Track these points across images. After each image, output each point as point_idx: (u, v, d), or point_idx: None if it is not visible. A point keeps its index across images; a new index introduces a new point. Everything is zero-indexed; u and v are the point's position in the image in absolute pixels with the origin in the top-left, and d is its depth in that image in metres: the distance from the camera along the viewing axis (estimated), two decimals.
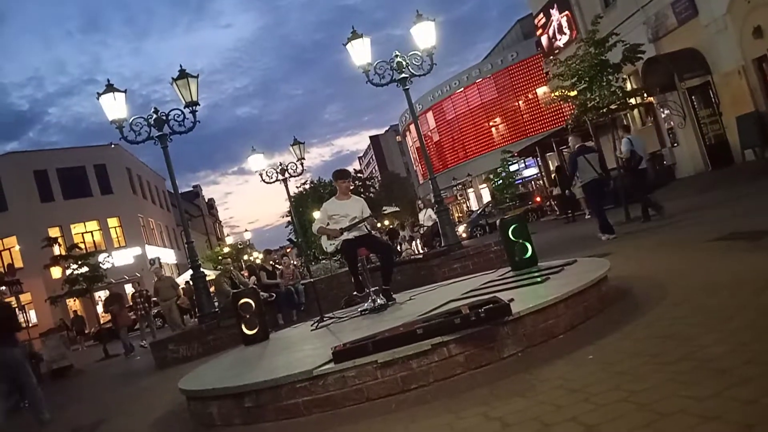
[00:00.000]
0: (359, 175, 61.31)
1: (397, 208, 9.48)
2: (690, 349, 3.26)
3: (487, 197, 43.42)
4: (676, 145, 19.81)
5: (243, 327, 6.83)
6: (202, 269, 11.52)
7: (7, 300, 8.23)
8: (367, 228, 6.83)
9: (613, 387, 3.04)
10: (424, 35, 10.73)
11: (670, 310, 4.25)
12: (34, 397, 6.91)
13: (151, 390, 7.83)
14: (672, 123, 19.70)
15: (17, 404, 7.52)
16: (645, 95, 18.27)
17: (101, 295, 27.65)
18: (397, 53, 10.86)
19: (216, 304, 12.27)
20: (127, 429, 5.31)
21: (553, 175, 25.26)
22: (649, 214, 11.46)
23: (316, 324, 6.82)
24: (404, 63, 10.80)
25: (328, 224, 6.74)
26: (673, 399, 2.65)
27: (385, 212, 7.98)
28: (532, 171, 40.80)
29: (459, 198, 52.99)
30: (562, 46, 24.49)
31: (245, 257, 48.94)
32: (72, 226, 37.78)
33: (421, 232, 18.43)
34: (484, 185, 46.10)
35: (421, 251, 17.28)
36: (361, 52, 10.59)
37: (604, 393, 3.00)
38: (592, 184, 10.56)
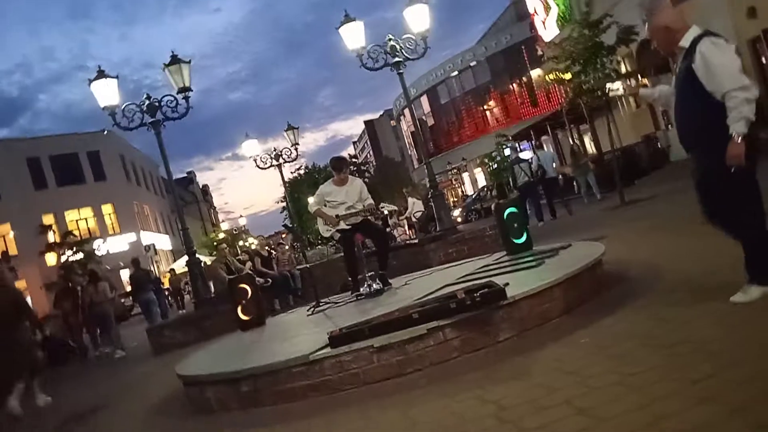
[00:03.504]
0: (354, 160, 61.16)
1: (395, 207, 9.53)
2: (685, 333, 3.28)
3: (482, 181, 43.42)
4: (670, 127, 19.81)
5: (239, 312, 6.84)
6: (197, 255, 11.53)
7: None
8: (363, 214, 6.82)
9: (608, 370, 3.07)
10: (418, 18, 10.66)
11: (665, 294, 4.28)
12: (31, 381, 6.90)
13: (149, 376, 7.86)
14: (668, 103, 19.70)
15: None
16: (640, 77, 18.24)
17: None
18: (391, 37, 10.79)
19: (212, 290, 12.32)
20: (127, 414, 5.33)
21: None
22: (557, 214, 14.93)
23: (312, 309, 6.83)
24: (398, 47, 10.74)
25: (325, 204, 6.74)
26: (667, 382, 2.67)
27: (383, 208, 7.98)
28: (526, 155, 40.76)
29: (454, 182, 52.95)
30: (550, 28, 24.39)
31: (240, 243, 48.92)
32: (66, 213, 37.67)
33: (413, 219, 18.42)
34: (479, 169, 46.08)
35: (414, 237, 17.29)
36: (354, 36, 10.53)
37: (598, 375, 3.02)
38: (523, 186, 14.24)
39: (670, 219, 8.50)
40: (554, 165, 16.44)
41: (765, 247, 3.44)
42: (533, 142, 31.38)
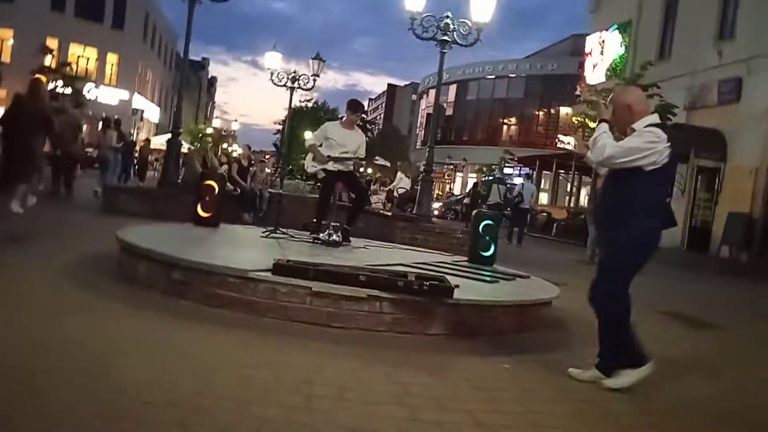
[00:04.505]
0: (363, 115, 60.69)
1: (388, 163, 9.49)
2: (586, 391, 3.37)
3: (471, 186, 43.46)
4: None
5: (198, 207, 6.79)
6: (180, 139, 11.39)
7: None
8: (352, 167, 6.81)
9: (517, 398, 3.14)
10: (482, 8, 10.49)
11: (592, 352, 4.35)
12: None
13: (91, 231, 7.79)
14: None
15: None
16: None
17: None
18: (449, 14, 10.63)
19: (180, 176, 12.19)
20: (59, 261, 5.27)
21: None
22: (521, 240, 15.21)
23: (268, 233, 6.81)
24: (451, 27, 10.59)
25: (321, 145, 6.69)
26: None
27: (377, 162, 7.96)
28: (518, 180, 40.93)
29: (446, 177, 52.98)
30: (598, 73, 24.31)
31: (225, 145, 48.36)
32: (71, 45, 36.62)
33: (395, 194, 18.43)
34: (474, 175, 46.14)
35: (388, 210, 17.33)
36: None
37: (507, 402, 3.10)
38: (494, 206, 14.55)
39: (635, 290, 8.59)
40: (531, 198, 16.96)
41: (620, 335, 3.48)
42: (533, 171, 31.57)
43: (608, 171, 3.61)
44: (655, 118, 3.54)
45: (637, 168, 3.34)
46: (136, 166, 22.21)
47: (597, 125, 3.65)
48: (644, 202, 3.39)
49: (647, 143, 3.33)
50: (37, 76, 12.50)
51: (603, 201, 3.80)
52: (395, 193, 18.28)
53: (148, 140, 26.09)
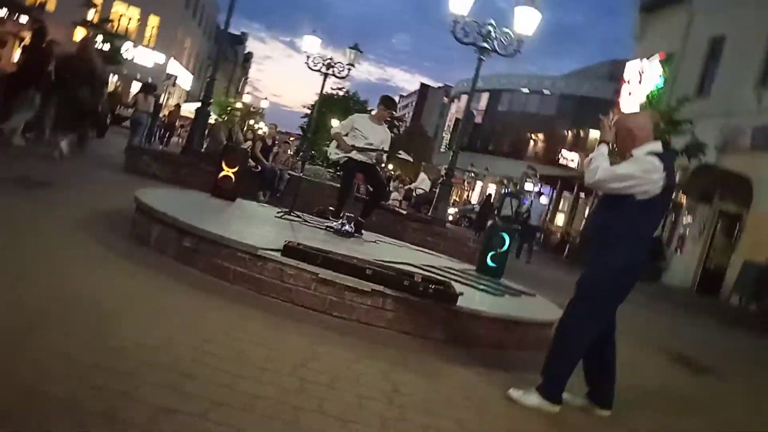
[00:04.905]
0: (393, 112, 60.60)
1: (410, 158, 9.48)
2: (577, 416, 3.35)
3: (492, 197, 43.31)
4: (678, 252, 19.84)
5: (218, 179, 6.85)
6: (209, 109, 11.47)
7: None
8: (375, 160, 6.83)
9: (507, 413, 3.14)
10: (525, 21, 10.43)
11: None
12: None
13: (111, 187, 7.90)
14: (688, 231, 19.68)
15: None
16: (681, 193, 18.17)
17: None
18: (492, 22, 10.58)
19: (204, 145, 12.27)
20: (78, 213, 5.35)
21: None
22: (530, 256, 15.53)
23: (282, 214, 6.84)
24: (493, 35, 10.54)
25: (346, 135, 6.71)
26: None
27: (399, 155, 7.95)
28: (543, 200, 40.72)
29: (466, 184, 52.84)
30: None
31: (251, 121, 48.55)
32: (114, 2, 37.02)
33: (414, 193, 18.45)
34: (495, 186, 45.98)
35: (404, 209, 17.36)
36: (462, 2, 10.32)
37: (497, 415, 3.10)
38: (503, 220, 14.05)
39: (632, 327, 8.55)
40: (540, 217, 18.00)
41: (569, 364, 3.39)
42: (553, 191, 31.35)
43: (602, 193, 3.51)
44: (657, 146, 3.38)
45: (629, 195, 3.24)
46: (161, 130, 22.38)
47: (597, 145, 3.53)
48: (630, 231, 3.29)
49: (641, 171, 3.21)
50: (86, 33, 12.98)
51: (592, 222, 3.73)
52: (414, 193, 18.28)
53: (178, 106, 26.30)
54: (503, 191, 29.86)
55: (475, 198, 48.17)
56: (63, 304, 2.99)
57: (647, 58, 24.52)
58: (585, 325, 3.36)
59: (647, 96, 23.57)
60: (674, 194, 17.86)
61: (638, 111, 4.02)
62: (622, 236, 3.30)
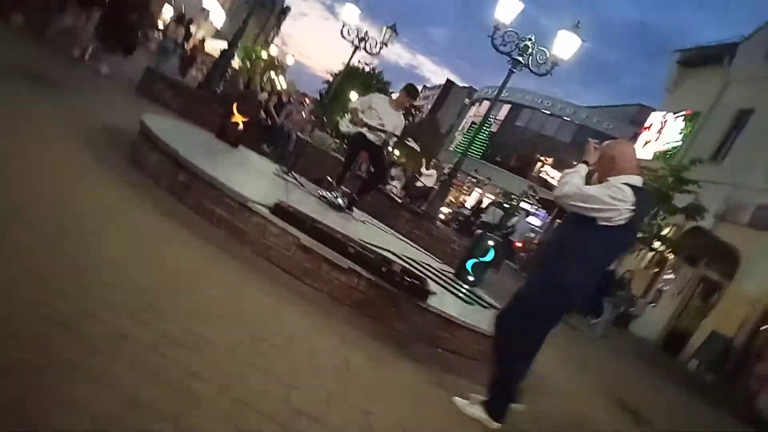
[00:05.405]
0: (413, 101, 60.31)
1: (417, 147, 9.52)
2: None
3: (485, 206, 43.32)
4: (653, 305, 19.99)
5: (227, 122, 6.84)
6: (234, 52, 11.42)
7: None
8: (382, 142, 6.83)
9: (445, 415, 3.19)
10: (565, 45, 10.41)
11: (535, 407, 4.40)
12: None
13: (120, 106, 7.87)
14: (667, 288, 19.83)
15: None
16: (669, 250, 18.27)
17: None
18: (531, 37, 10.56)
19: (221, 87, 12.22)
20: (84, 127, 5.34)
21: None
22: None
23: (280, 171, 6.85)
24: (529, 50, 10.52)
25: (362, 112, 6.71)
26: None
27: (408, 142, 7.97)
28: (535, 221, 40.81)
29: (465, 188, 52.85)
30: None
31: (272, 74, 48.18)
32: None
33: (416, 184, 18.49)
34: (492, 197, 46.03)
35: (400, 197, 17.40)
36: (508, 11, 10.28)
37: (433, 416, 3.14)
38: (483, 226, 14.45)
39: (590, 368, 8.66)
40: (523, 236, 18.17)
41: (512, 382, 3.41)
42: (549, 216, 31.41)
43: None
44: (635, 180, 3.29)
45: (592, 218, 3.20)
46: (183, 61, 22.18)
47: (577, 164, 3.50)
48: (582, 254, 3.25)
49: (609, 198, 3.16)
50: None
51: (552, 235, 3.68)
52: (416, 183, 18.29)
53: (203, 40, 26.04)
54: (492, 203, 30.22)
55: (469, 203, 48.22)
56: (47, 218, 3.01)
57: (673, 113, 24.50)
58: (524, 338, 3.37)
59: (663, 150, 23.57)
60: (665, 249, 18.01)
61: (624, 141, 3.83)
62: (572, 255, 3.26)
